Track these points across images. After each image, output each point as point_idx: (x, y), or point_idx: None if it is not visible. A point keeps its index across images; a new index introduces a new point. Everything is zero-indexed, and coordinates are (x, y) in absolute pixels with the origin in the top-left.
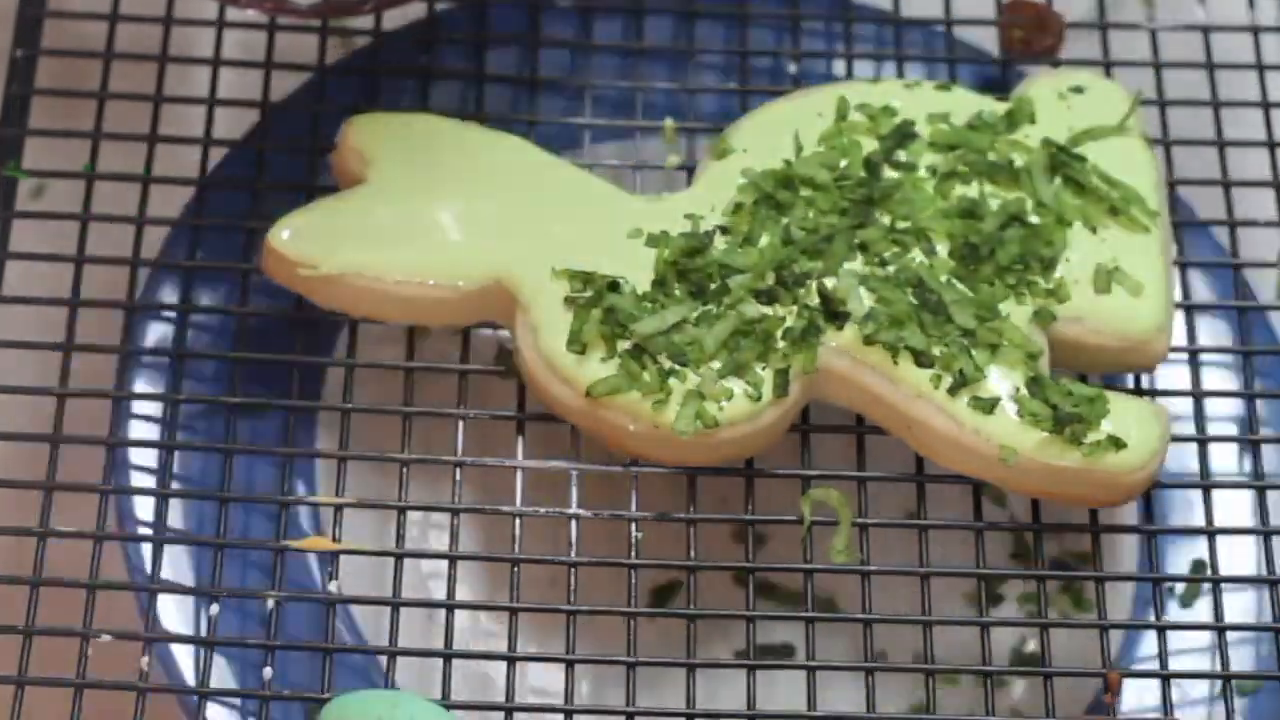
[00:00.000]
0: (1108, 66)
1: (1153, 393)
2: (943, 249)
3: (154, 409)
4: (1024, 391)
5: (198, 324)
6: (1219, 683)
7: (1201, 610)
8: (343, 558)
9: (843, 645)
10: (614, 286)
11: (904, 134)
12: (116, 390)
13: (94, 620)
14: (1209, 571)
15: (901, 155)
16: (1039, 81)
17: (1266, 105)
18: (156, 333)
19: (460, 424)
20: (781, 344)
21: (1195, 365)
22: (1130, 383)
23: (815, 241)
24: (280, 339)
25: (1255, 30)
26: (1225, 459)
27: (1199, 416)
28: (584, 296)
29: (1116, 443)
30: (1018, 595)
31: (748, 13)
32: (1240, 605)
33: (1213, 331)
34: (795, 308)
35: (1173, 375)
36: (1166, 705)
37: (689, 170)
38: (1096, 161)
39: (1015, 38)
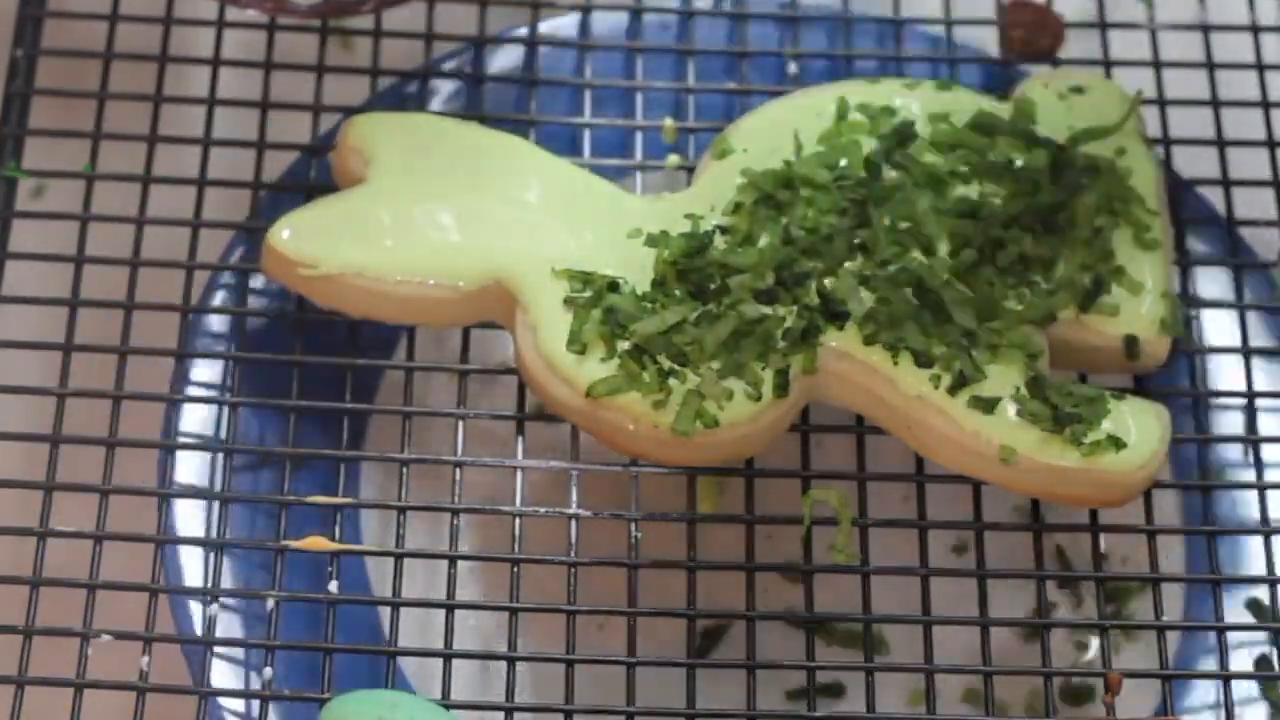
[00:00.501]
0: (1108, 66)
1: (1153, 393)
2: (943, 249)
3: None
4: (1024, 391)
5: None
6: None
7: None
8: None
9: (893, 688)
10: (614, 287)
11: (904, 134)
12: (116, 390)
13: (94, 620)
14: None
15: (901, 155)
16: (1039, 81)
17: (1266, 105)
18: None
19: (460, 424)
20: (781, 344)
21: (1192, 365)
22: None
23: (815, 241)
24: (281, 339)
25: (1255, 30)
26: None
27: (1199, 417)
28: (584, 297)
29: (1116, 443)
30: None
31: (748, 12)
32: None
33: (1215, 331)
34: (795, 308)
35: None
36: (1167, 705)
37: (689, 170)
38: (1096, 161)
39: (1015, 38)
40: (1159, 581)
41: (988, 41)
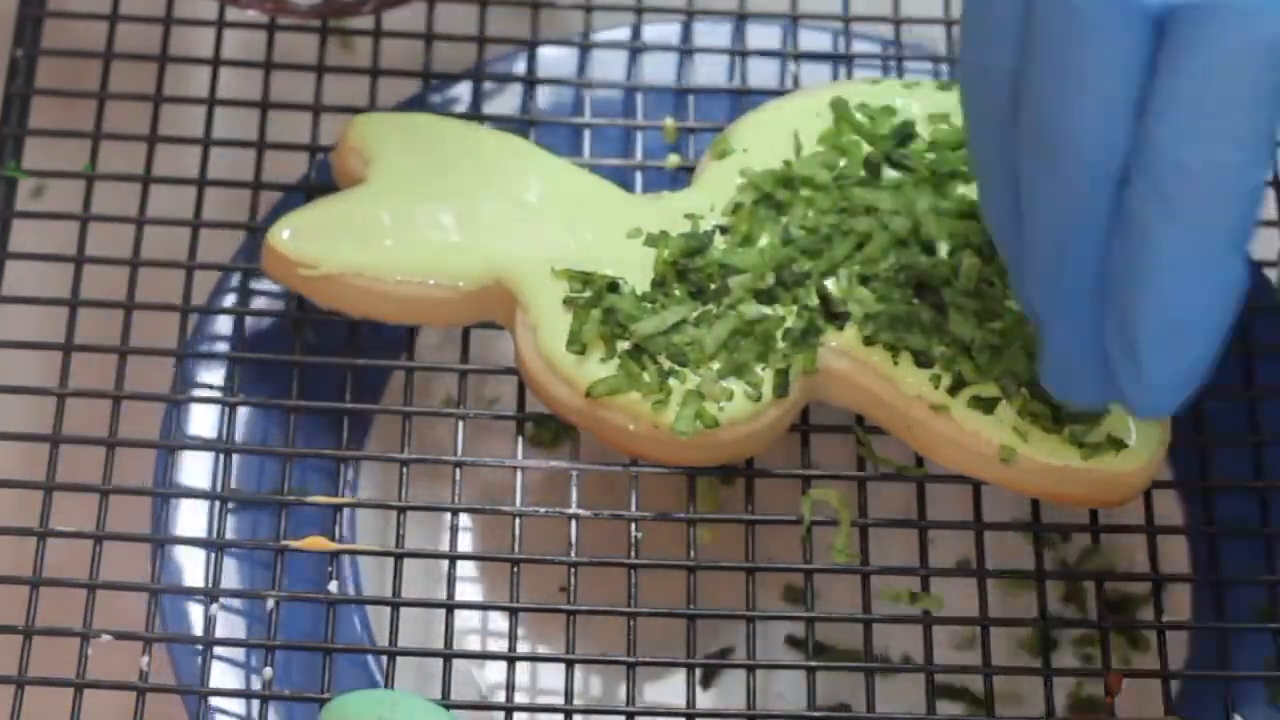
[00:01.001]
0: None
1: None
2: (943, 249)
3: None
4: (1024, 391)
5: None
6: None
7: None
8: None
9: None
10: (613, 287)
11: (904, 134)
12: (116, 390)
13: (94, 620)
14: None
15: (901, 155)
16: None
17: None
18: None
19: (460, 424)
20: (781, 344)
21: None
22: None
23: (815, 241)
24: (281, 339)
25: None
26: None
27: (1199, 417)
28: (583, 297)
29: (1116, 443)
30: (1072, 639)
31: (748, 12)
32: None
33: None
34: (795, 308)
35: None
36: (1167, 705)
37: (689, 170)
38: None
39: None
40: (1159, 581)
41: None
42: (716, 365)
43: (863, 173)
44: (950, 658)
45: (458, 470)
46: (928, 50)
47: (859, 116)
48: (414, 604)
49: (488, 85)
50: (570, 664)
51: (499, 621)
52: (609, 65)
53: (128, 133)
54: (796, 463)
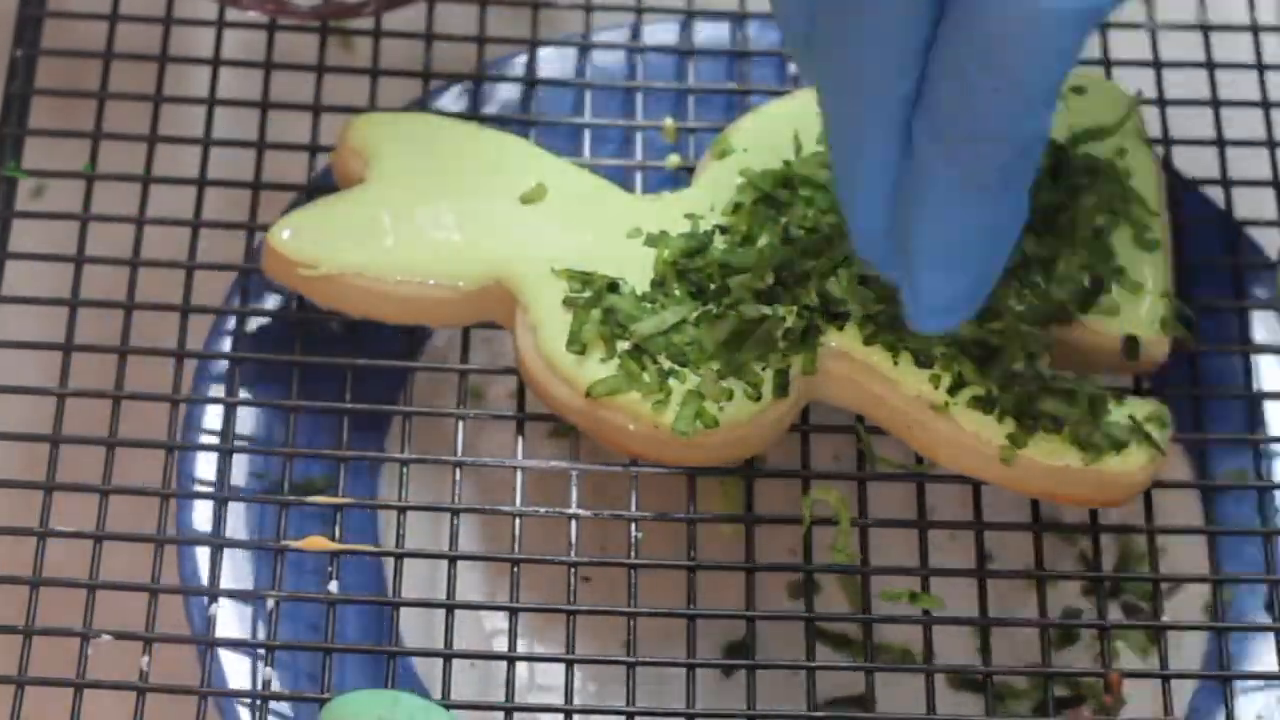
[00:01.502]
0: (1108, 66)
1: (1153, 393)
2: None
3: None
4: (1025, 392)
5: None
6: None
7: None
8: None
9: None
10: (613, 287)
11: None
12: (116, 390)
13: (94, 620)
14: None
15: None
16: None
17: (1266, 105)
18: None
19: (460, 424)
20: (781, 344)
21: (1194, 364)
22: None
23: (815, 241)
24: (281, 340)
25: (1255, 30)
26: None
27: (1199, 416)
28: (583, 297)
29: (1117, 443)
30: (1091, 636)
31: (748, 12)
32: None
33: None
34: (795, 308)
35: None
36: (1167, 705)
37: (689, 170)
38: (1096, 162)
39: None
40: (1159, 581)
41: None
42: (716, 365)
43: None
44: (959, 646)
45: (458, 470)
46: None
47: None
48: (414, 604)
49: (488, 85)
50: (570, 664)
51: (499, 621)
52: (609, 65)
53: (128, 133)
54: (796, 463)
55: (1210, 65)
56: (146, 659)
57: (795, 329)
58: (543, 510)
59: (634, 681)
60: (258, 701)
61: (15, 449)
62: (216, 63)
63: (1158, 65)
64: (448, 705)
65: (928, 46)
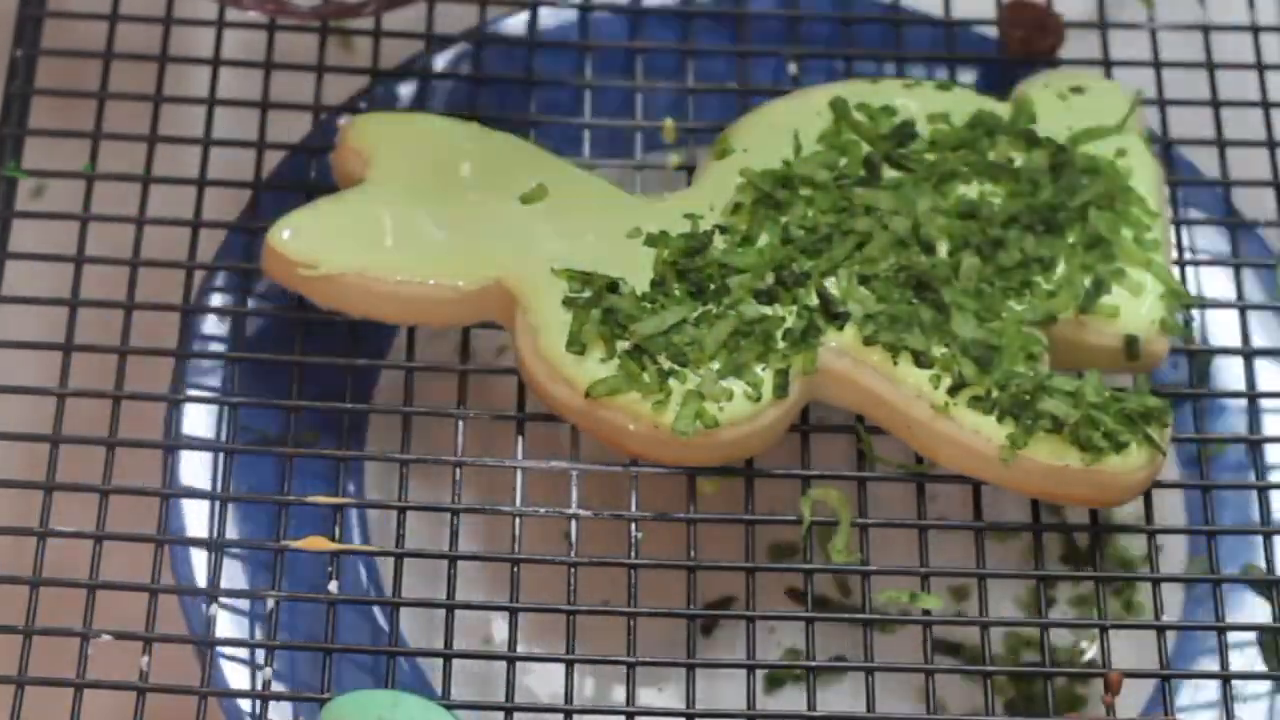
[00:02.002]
0: (1108, 66)
1: (1153, 392)
2: (943, 249)
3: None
4: (1024, 391)
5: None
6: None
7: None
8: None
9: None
10: (613, 287)
11: (904, 134)
12: (116, 390)
13: (94, 620)
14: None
15: (901, 155)
16: (1039, 81)
17: (1266, 105)
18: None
19: (460, 424)
20: (781, 344)
21: (1192, 365)
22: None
23: (815, 241)
24: (281, 340)
25: (1255, 30)
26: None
27: (1196, 416)
28: (583, 297)
29: (1117, 443)
30: (1068, 598)
31: (748, 13)
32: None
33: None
34: (795, 308)
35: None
36: (1166, 705)
37: (689, 170)
38: (1096, 161)
39: (1015, 38)
40: (1158, 582)
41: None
42: (716, 365)
43: (863, 173)
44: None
45: (458, 470)
46: (928, 50)
47: (859, 116)
48: (414, 604)
49: (488, 86)
50: (570, 664)
51: (499, 621)
52: (609, 64)
53: (128, 133)
54: (796, 463)
55: (1210, 65)
56: (146, 659)
57: (795, 329)
58: (543, 510)
59: (634, 681)
60: (257, 701)
61: (15, 449)
62: (216, 63)
63: (1158, 65)
64: (448, 705)
65: None
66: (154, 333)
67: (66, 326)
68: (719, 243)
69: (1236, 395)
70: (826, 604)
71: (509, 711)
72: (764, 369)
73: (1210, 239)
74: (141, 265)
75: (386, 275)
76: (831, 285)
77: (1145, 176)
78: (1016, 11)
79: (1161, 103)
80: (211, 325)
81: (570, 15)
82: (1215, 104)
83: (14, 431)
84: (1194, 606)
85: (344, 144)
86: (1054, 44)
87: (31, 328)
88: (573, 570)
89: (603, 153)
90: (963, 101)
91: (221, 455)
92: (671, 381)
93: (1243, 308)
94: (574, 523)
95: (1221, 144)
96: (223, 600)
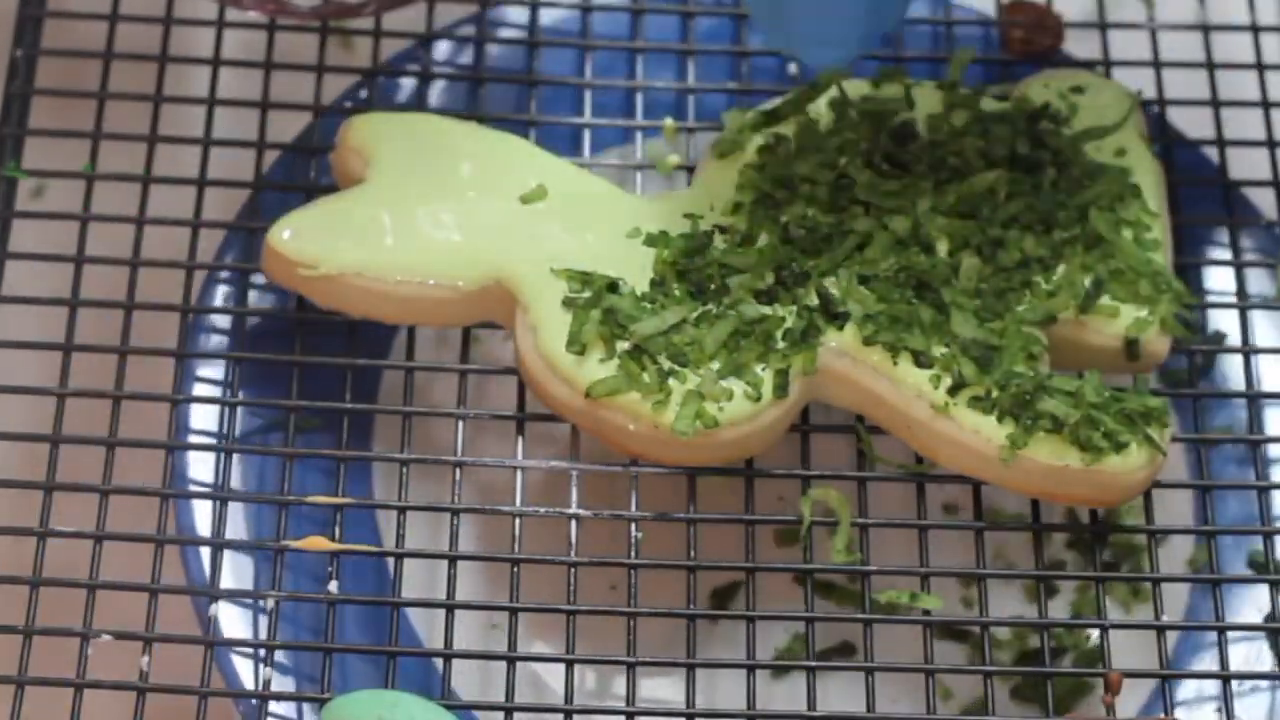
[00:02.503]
0: (1108, 66)
1: (1153, 393)
2: (943, 249)
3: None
4: (1024, 391)
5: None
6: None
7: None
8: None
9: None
10: (613, 287)
11: (904, 134)
12: (116, 390)
13: (94, 620)
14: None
15: (901, 155)
16: (1039, 81)
17: (1266, 105)
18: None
19: (460, 424)
20: (781, 344)
21: (1191, 365)
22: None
23: (815, 241)
24: (281, 340)
25: (1255, 30)
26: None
27: (1196, 415)
28: (583, 297)
29: (1117, 443)
30: (1075, 586)
31: (748, 12)
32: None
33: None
34: (795, 308)
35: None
36: (1166, 705)
37: (689, 170)
38: (1096, 162)
39: (1015, 38)
40: (1158, 581)
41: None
42: (716, 365)
43: (863, 173)
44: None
45: (458, 470)
46: (928, 49)
47: (859, 116)
48: (414, 604)
49: (488, 86)
50: (570, 664)
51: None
52: (609, 63)
53: (128, 133)
54: (796, 463)
55: (1210, 65)
56: (146, 659)
57: (795, 329)
58: (543, 510)
59: (634, 681)
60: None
61: (15, 449)
62: (216, 63)
63: (1158, 65)
64: (448, 705)
65: None
66: (154, 333)
67: (66, 326)
68: (719, 242)
69: (1236, 395)
70: (832, 589)
71: (509, 711)
72: (764, 369)
73: (1210, 239)
74: (141, 265)
75: (386, 275)
76: (831, 285)
77: (1145, 176)
78: (1016, 11)
79: (1162, 103)
80: (211, 325)
81: (571, 14)
82: (1215, 104)
83: (14, 431)
84: (1201, 596)
85: (344, 144)
86: (1054, 44)
87: (31, 328)
88: (573, 570)
89: (603, 153)
90: (963, 101)
91: (222, 455)
92: (671, 381)
93: (1243, 308)
94: (574, 523)
95: (1222, 144)
96: (229, 599)
